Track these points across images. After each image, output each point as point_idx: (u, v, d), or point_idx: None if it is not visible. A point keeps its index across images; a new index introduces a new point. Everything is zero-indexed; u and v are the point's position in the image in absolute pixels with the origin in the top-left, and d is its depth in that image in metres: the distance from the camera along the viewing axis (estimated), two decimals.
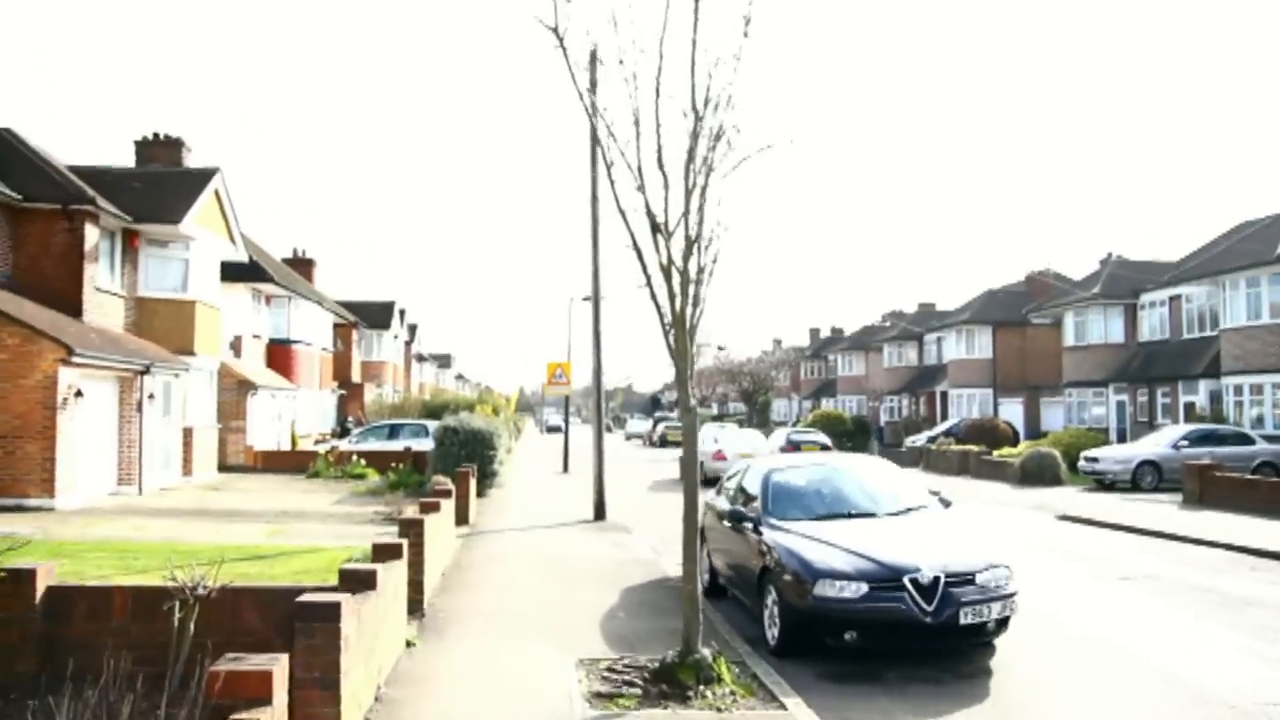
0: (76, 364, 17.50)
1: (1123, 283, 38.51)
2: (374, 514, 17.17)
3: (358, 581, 5.99)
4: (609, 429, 78.55)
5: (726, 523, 9.87)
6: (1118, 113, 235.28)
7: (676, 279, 6.88)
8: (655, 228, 6.95)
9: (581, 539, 15.24)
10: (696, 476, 7.54)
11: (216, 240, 25.20)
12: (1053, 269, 50.69)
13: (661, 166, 6.93)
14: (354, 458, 26.07)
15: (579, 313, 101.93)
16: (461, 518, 15.78)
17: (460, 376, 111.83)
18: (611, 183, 6.99)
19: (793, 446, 35.13)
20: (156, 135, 27.61)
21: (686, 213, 6.83)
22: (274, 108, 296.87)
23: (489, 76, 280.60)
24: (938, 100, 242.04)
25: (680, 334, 6.96)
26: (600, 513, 17.88)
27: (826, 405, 74.43)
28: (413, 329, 66.94)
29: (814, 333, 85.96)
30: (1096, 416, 39.33)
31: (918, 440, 43.71)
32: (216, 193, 25.30)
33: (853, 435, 51.50)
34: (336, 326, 42.49)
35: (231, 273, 28.61)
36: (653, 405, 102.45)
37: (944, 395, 53.19)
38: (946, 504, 9.70)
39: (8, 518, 15.64)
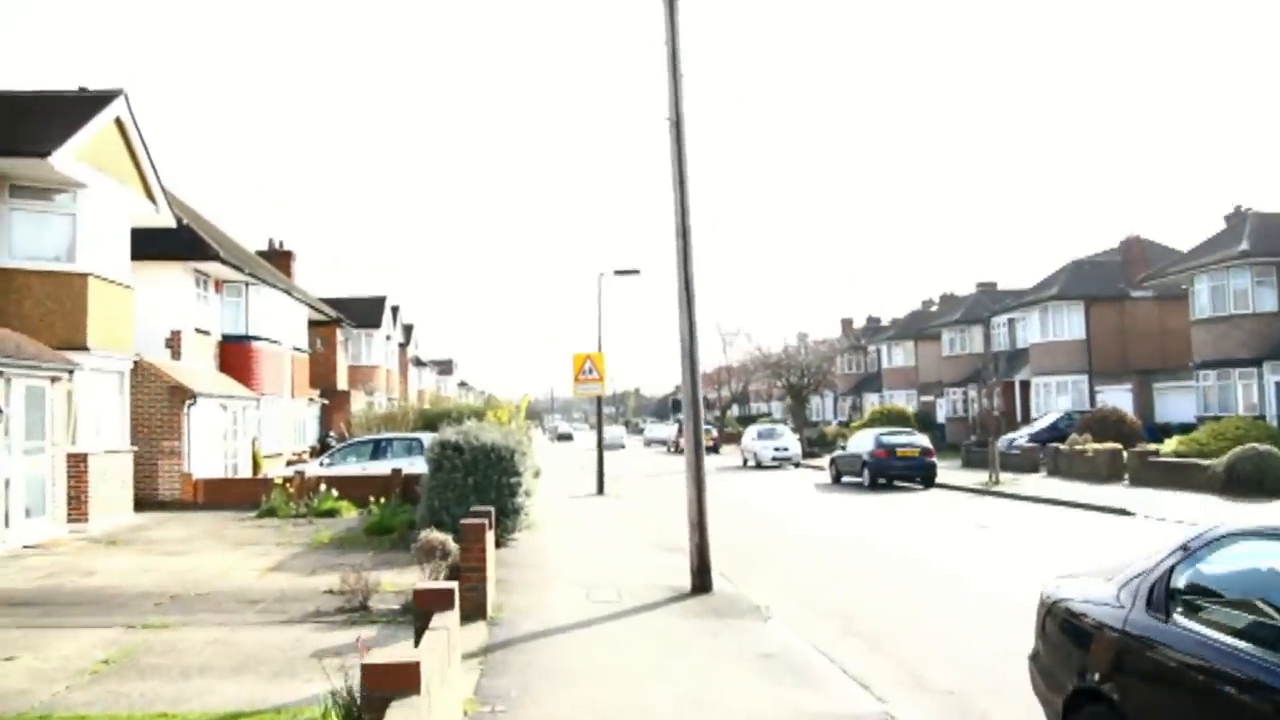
0: None
1: (1272, 238, 31.34)
2: (325, 594, 10.08)
3: None
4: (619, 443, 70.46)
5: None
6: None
7: None
8: None
9: (705, 655, 8.03)
10: None
11: (122, 192, 18.12)
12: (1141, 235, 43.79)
13: None
14: (322, 486, 18.95)
15: (611, 290, 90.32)
16: (475, 608, 8.67)
17: (463, 384, 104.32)
18: None
19: (885, 451, 27.91)
20: (83, 89, 19.47)
21: None
22: (245, 90, 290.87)
23: (481, 38, 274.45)
24: (971, 69, 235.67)
25: None
26: (703, 579, 10.63)
27: (870, 401, 67.34)
28: (408, 330, 59.69)
29: (846, 323, 78.41)
30: (1243, 404, 31.94)
31: (1017, 439, 36.47)
32: (119, 123, 18.22)
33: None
34: (316, 325, 35.27)
35: (162, 247, 21.64)
36: (673, 408, 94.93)
37: (1025, 385, 45.82)
38: None
39: None
